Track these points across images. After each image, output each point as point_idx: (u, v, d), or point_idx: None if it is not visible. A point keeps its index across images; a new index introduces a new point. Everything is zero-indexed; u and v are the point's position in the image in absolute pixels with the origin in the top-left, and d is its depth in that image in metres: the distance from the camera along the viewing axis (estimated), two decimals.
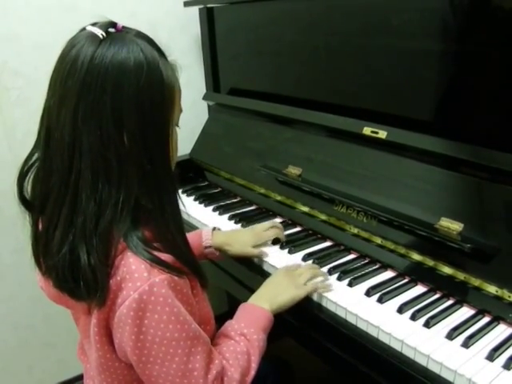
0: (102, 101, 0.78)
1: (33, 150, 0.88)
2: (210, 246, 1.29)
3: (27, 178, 0.88)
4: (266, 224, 1.38)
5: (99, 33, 0.81)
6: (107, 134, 0.79)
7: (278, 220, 1.51)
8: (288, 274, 1.13)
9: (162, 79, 0.83)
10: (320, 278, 1.16)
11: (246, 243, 1.29)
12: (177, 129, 0.92)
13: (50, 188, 0.82)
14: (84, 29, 0.84)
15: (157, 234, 0.86)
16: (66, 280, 0.82)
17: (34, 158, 0.88)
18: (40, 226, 0.87)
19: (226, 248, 1.29)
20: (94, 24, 0.84)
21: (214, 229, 1.34)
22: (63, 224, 0.81)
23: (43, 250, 0.85)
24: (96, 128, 0.78)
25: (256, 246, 1.30)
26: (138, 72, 0.80)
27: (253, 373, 0.93)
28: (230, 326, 0.99)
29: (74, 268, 0.80)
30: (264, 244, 1.33)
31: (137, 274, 0.80)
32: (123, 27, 0.85)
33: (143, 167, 0.82)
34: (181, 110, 0.91)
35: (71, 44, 0.81)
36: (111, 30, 0.83)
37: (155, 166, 0.83)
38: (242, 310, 1.03)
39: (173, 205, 0.88)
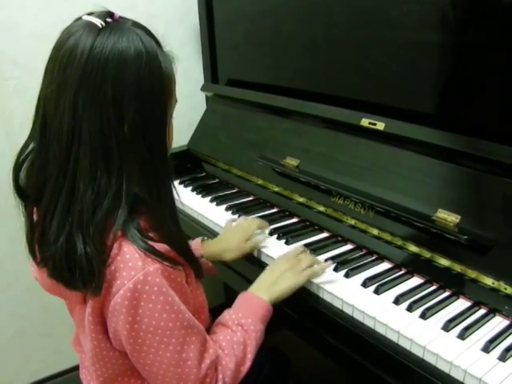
0: (103, 89, 0.78)
1: (28, 140, 0.88)
2: (201, 257, 1.26)
3: (22, 168, 0.88)
4: (248, 219, 1.36)
5: (98, 22, 0.80)
6: (108, 122, 0.79)
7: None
8: (288, 260, 1.12)
9: (161, 68, 0.84)
10: (318, 266, 1.15)
11: (240, 241, 1.27)
12: (174, 119, 0.93)
13: (46, 177, 0.82)
14: (80, 18, 0.83)
15: (153, 223, 0.86)
16: (62, 270, 0.81)
17: (30, 148, 0.87)
18: (35, 217, 0.87)
19: (224, 255, 1.27)
20: (89, 14, 0.83)
21: (203, 239, 1.32)
22: (60, 213, 0.81)
23: (39, 240, 0.85)
24: (96, 116, 0.78)
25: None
26: (138, 61, 0.80)
27: (248, 364, 0.94)
28: (228, 314, 1.00)
29: (71, 258, 0.80)
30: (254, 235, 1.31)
31: (131, 264, 0.80)
32: (120, 17, 0.85)
33: (142, 155, 0.82)
34: (176, 101, 0.91)
35: (68, 33, 0.81)
36: (108, 19, 0.82)
37: (154, 154, 0.84)
38: (241, 299, 1.04)
39: (168, 194, 0.89)
